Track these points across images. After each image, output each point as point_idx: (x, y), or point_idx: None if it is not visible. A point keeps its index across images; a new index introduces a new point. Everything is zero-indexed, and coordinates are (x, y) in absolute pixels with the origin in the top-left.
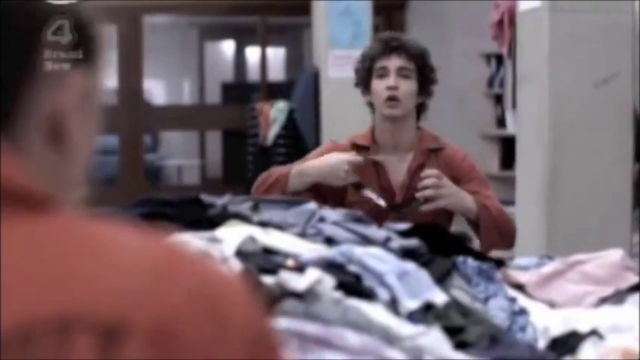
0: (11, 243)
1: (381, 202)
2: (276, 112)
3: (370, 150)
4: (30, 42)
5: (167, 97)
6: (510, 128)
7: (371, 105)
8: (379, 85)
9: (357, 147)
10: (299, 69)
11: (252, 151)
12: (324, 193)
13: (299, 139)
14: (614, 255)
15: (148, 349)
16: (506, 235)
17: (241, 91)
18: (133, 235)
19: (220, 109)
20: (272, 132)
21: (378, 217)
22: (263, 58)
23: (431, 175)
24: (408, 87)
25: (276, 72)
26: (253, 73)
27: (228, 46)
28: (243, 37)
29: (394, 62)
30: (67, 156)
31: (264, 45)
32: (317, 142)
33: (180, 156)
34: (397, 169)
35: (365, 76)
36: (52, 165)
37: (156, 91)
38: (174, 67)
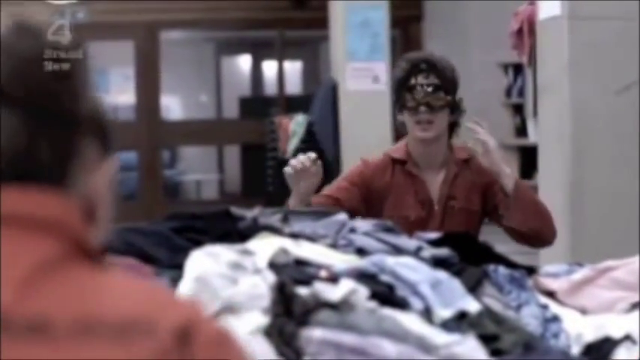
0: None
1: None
2: (295, 126)
3: (407, 164)
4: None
5: (184, 112)
6: (532, 137)
7: (403, 125)
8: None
9: (393, 160)
10: (316, 82)
11: (271, 164)
12: (365, 204)
13: (318, 151)
14: None
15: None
16: (545, 219)
17: (259, 105)
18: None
19: (238, 123)
20: (291, 145)
21: (415, 228)
22: (280, 72)
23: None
24: (439, 116)
25: (294, 85)
26: (270, 87)
27: (244, 61)
28: (260, 51)
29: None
30: (95, 231)
31: (281, 59)
32: (336, 155)
33: (199, 171)
34: (433, 181)
35: (398, 97)
36: None
37: (173, 106)
38: (191, 82)
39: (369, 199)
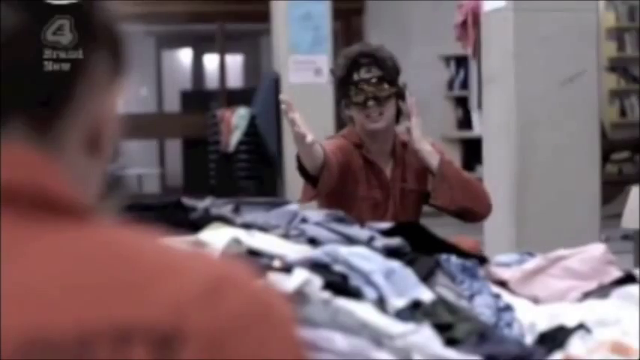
0: (55, 252)
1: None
2: (237, 119)
3: (363, 149)
4: (84, 51)
5: (125, 106)
6: (477, 129)
7: (351, 118)
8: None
9: (352, 144)
10: (257, 75)
11: (214, 158)
12: (343, 185)
13: (261, 145)
14: (596, 250)
15: (203, 358)
16: (475, 195)
17: (200, 99)
18: (175, 246)
19: (179, 117)
20: (234, 139)
21: (377, 210)
22: (222, 65)
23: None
24: (388, 106)
25: (235, 79)
26: (212, 81)
27: (185, 54)
28: (201, 45)
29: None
30: (97, 162)
31: (222, 52)
32: (279, 148)
33: (140, 165)
34: (386, 166)
35: (343, 94)
36: (84, 170)
37: None
38: (131, 76)
39: (342, 176)
